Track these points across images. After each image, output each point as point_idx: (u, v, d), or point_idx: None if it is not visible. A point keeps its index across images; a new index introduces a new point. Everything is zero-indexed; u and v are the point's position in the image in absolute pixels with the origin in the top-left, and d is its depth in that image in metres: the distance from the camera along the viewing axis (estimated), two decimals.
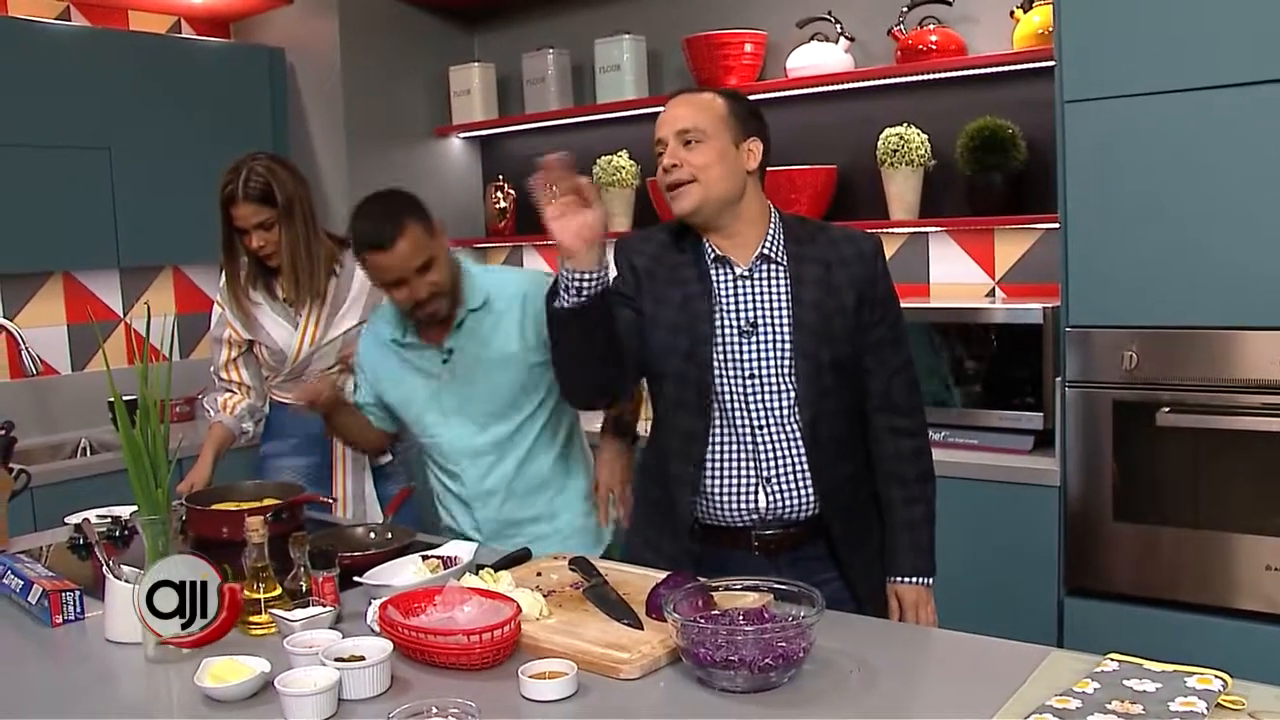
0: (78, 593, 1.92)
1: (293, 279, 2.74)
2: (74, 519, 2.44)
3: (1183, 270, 2.43)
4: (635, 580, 1.91)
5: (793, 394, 2.03)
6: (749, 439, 2.04)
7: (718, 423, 2.04)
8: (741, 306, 2.04)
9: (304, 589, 1.84)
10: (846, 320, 2.05)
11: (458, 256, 2.44)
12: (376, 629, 1.72)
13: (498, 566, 2.01)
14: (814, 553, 2.09)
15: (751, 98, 3.78)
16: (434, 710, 1.40)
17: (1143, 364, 2.56)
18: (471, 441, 2.42)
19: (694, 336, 2.04)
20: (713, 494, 2.05)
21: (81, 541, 2.37)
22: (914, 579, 2.11)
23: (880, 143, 3.39)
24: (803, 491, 2.04)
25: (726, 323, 2.04)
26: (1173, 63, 2.42)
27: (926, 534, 2.13)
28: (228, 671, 1.56)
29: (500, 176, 4.46)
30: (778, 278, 2.05)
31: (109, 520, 2.42)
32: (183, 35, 4.36)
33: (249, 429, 2.96)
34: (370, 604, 1.81)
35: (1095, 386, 2.65)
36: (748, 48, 3.65)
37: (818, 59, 3.49)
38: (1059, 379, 2.74)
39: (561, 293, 1.89)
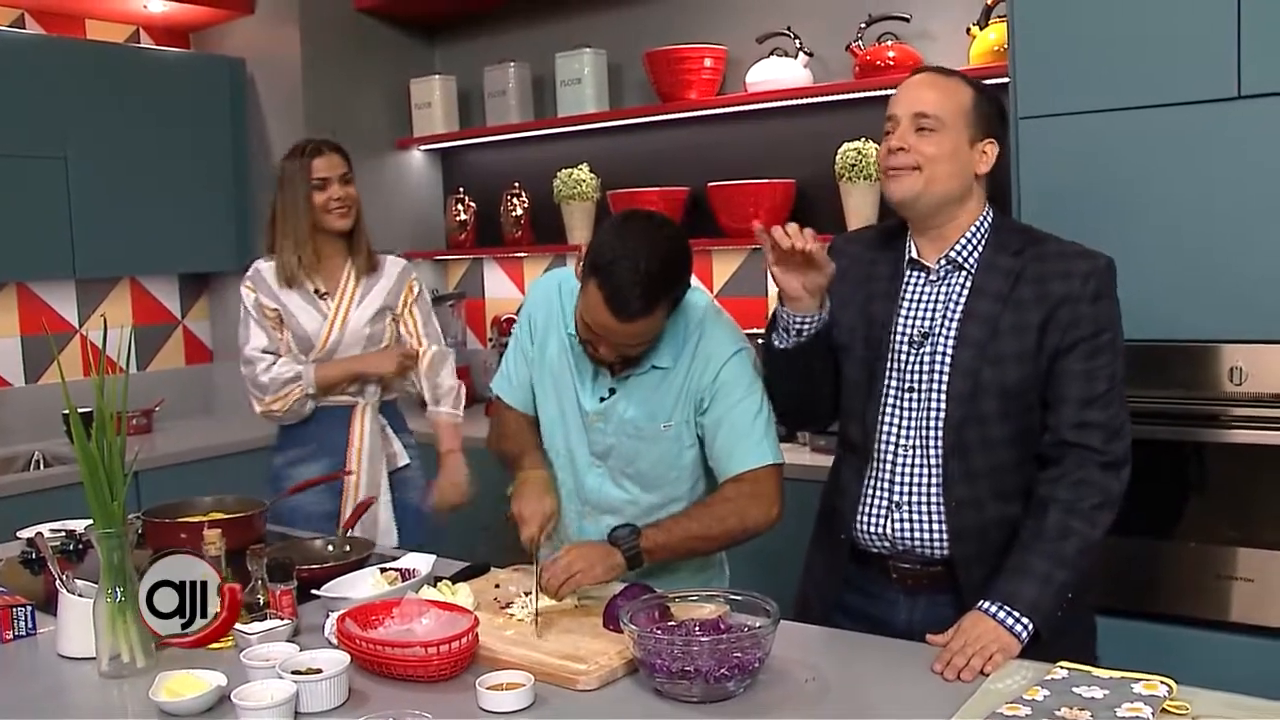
0: (29, 608, 1.90)
1: (363, 237, 2.88)
2: (27, 533, 2.41)
3: (1133, 284, 2.47)
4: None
5: (941, 415, 1.83)
6: (891, 458, 1.88)
7: (879, 437, 1.89)
8: (921, 314, 1.88)
9: (261, 602, 1.84)
10: (1025, 341, 1.80)
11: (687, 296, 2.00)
12: (334, 641, 1.71)
13: (455, 579, 2.01)
14: (946, 601, 1.84)
15: (711, 113, 3.77)
16: None
17: None
18: (610, 493, 2.12)
19: (868, 342, 1.91)
20: (858, 512, 1.91)
21: (34, 556, 2.34)
22: (1001, 610, 1.69)
23: (838, 157, 3.41)
24: (934, 526, 1.85)
25: (900, 330, 1.89)
26: (1124, 81, 2.46)
27: (1063, 574, 1.73)
28: (183, 686, 1.55)
29: (461, 189, 4.45)
30: (960, 285, 1.86)
31: (63, 534, 2.40)
32: (141, 45, 4.33)
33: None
34: (328, 616, 1.80)
35: None
36: (708, 62, 3.67)
37: (777, 74, 3.52)
38: None
39: (781, 331, 1.86)
